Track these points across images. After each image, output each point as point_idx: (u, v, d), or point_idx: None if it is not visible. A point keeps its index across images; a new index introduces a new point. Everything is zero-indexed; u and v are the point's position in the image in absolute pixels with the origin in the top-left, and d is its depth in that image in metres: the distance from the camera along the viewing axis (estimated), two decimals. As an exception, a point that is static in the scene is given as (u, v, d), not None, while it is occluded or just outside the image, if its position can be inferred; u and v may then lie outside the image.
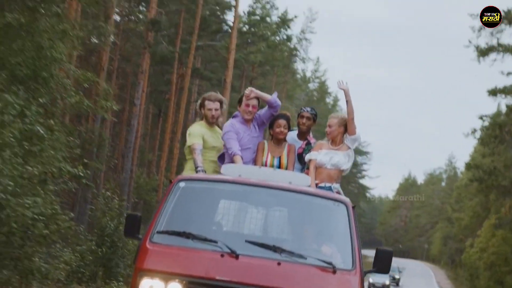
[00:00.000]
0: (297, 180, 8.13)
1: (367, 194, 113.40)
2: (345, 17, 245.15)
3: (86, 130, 32.48)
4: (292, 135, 9.63)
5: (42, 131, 15.42)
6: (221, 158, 9.30)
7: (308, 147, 9.49)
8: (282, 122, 9.23)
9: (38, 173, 15.67)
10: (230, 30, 43.92)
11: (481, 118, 38.98)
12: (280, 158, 9.22)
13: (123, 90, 45.75)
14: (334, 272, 6.99)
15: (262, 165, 9.09)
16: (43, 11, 17.23)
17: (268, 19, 54.46)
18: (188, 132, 9.41)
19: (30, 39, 16.79)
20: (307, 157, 9.26)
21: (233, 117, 9.55)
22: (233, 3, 44.63)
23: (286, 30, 56.34)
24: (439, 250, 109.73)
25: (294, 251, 7.11)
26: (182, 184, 7.75)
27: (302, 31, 66.67)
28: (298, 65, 77.07)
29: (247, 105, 9.32)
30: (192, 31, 40.56)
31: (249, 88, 9.50)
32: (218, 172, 8.71)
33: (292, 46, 62.80)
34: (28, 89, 16.55)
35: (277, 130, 9.22)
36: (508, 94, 37.96)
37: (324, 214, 7.89)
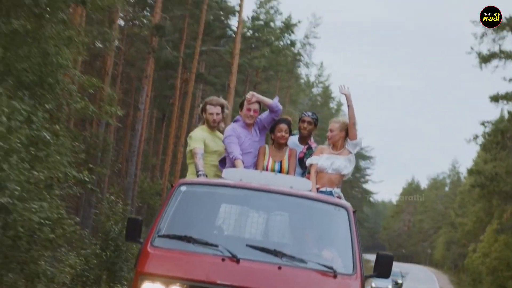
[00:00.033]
0: (298, 184, 8.16)
1: (371, 199, 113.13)
2: (349, 21, 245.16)
3: (90, 134, 32.53)
4: (293, 140, 9.62)
5: (48, 137, 15.51)
6: (222, 162, 9.31)
7: (309, 152, 9.49)
8: (283, 126, 9.25)
9: (44, 178, 15.75)
10: (234, 35, 44.02)
11: (482, 124, 39.03)
12: (281, 162, 9.22)
13: (127, 95, 45.80)
14: (334, 276, 7.00)
15: (263, 169, 9.09)
16: (49, 17, 17.30)
17: (272, 24, 54.46)
18: (189, 136, 9.41)
19: (36, 46, 16.86)
20: (308, 161, 9.27)
21: (235, 121, 9.54)
22: (237, 8, 44.59)
23: (290, 35, 56.32)
24: (442, 255, 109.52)
25: (295, 255, 7.12)
26: (183, 188, 7.74)
27: (306, 36, 66.72)
28: (302, 70, 77.09)
29: (249, 110, 9.34)
30: (196, 36, 40.63)
31: (250, 92, 9.54)
32: (219, 176, 8.73)
33: (296, 51, 62.71)
34: (34, 95, 16.62)
35: (278, 134, 9.24)
36: (510, 100, 37.87)
37: (325, 219, 7.89)
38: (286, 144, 9.36)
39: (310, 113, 9.79)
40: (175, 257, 7.09)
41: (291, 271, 7.01)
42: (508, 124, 37.50)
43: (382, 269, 7.43)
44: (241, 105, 9.46)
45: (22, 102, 14.93)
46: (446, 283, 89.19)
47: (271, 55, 51.81)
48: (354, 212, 7.80)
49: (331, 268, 7.05)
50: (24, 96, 16.05)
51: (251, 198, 7.93)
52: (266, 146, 9.38)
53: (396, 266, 74.54)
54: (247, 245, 7.25)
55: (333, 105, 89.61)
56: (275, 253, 7.09)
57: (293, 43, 58.21)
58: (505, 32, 36.79)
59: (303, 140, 9.73)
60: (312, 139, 9.88)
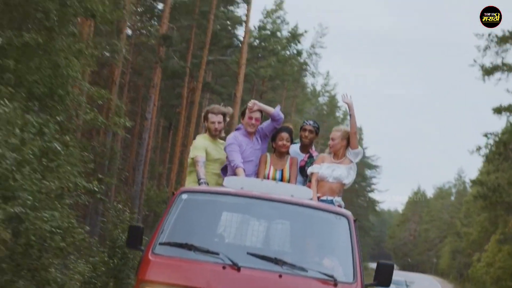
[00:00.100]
0: (299, 193, 8.12)
1: (376, 208, 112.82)
2: (355, 30, 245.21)
3: (99, 144, 32.64)
4: (294, 148, 9.66)
5: (59, 148, 15.65)
6: (225, 171, 9.29)
7: (311, 160, 9.51)
8: (284, 135, 9.28)
9: (55, 188, 15.85)
10: (240, 45, 44.03)
11: (485, 135, 39.03)
12: (282, 171, 9.25)
13: (135, 104, 45.80)
14: (335, 285, 7.02)
15: (265, 177, 9.10)
16: (59, 30, 17.44)
17: (278, 33, 54.29)
18: (191, 144, 9.39)
19: (47, 58, 17.00)
20: (309, 170, 9.28)
21: (236, 129, 9.58)
22: (244, 18, 44.63)
23: (296, 44, 56.15)
24: (448, 264, 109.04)
25: (296, 263, 7.12)
26: (184, 196, 7.73)
27: (312, 46, 66.74)
28: (308, 79, 76.93)
29: (250, 118, 9.40)
30: (203, 46, 40.74)
31: (252, 100, 9.58)
32: (221, 185, 8.65)
33: (302, 60, 62.56)
34: (45, 106, 16.80)
35: (280, 143, 9.27)
36: (513, 112, 37.95)
37: (325, 227, 7.89)
38: (287, 153, 9.39)
39: (311, 122, 9.86)
40: (176, 264, 7.08)
41: (292, 279, 7.02)
42: (510, 135, 37.47)
43: (383, 278, 7.37)
44: (243, 114, 9.51)
45: (34, 114, 15.10)
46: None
47: (277, 65, 51.73)
48: (354, 220, 7.80)
49: (331, 276, 7.08)
50: (34, 106, 16.33)
51: (252, 206, 7.93)
52: (268, 154, 9.40)
53: (402, 275, 74.58)
54: (248, 253, 7.24)
55: (339, 114, 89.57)
56: (276, 261, 7.09)
57: (299, 53, 58.06)
58: (508, 45, 36.68)
59: (304, 148, 9.80)
60: (313, 147, 9.94)
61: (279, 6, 57.13)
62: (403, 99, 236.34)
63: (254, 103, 9.50)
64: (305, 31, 55.97)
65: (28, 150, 13.96)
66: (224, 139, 9.62)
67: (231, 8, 48.26)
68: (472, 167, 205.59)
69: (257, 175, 9.31)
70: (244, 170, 9.00)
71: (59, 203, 16.22)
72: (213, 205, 7.98)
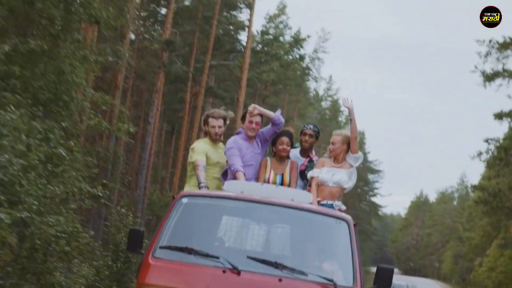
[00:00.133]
0: (299, 197, 8.11)
1: (379, 212, 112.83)
2: (357, 37, 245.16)
3: (102, 148, 32.72)
4: (294, 153, 9.67)
5: (64, 153, 15.73)
6: (225, 175, 9.29)
7: (311, 164, 9.52)
8: (285, 139, 9.31)
9: (60, 192, 15.96)
10: (243, 50, 43.97)
11: (486, 141, 39.07)
12: (282, 175, 9.28)
13: (138, 108, 45.92)
14: None
15: (265, 182, 9.11)
16: (64, 37, 17.52)
17: (281, 38, 54.36)
18: (191, 148, 9.35)
19: (51, 64, 17.08)
20: (309, 174, 9.29)
21: (237, 133, 9.59)
22: (247, 23, 44.72)
23: (299, 49, 56.01)
24: (450, 269, 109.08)
25: (296, 267, 7.09)
26: (184, 200, 7.72)
27: (315, 51, 66.75)
28: (311, 84, 77.09)
29: (251, 122, 9.41)
30: (206, 51, 40.86)
31: (252, 105, 9.56)
32: (222, 189, 8.71)
33: (304, 65, 62.55)
34: (50, 112, 16.93)
35: (280, 147, 9.31)
36: (514, 117, 38.03)
37: (325, 232, 7.88)
38: (287, 157, 9.42)
39: (311, 126, 9.87)
40: (176, 268, 7.07)
41: (292, 283, 7.00)
42: (510, 141, 37.55)
43: (382, 282, 7.31)
44: (243, 118, 9.53)
45: (39, 120, 15.19)
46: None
47: (280, 69, 51.80)
48: (355, 225, 7.79)
49: (331, 280, 7.06)
50: (39, 112, 16.44)
51: (252, 211, 7.90)
52: (268, 158, 9.41)
53: (404, 280, 74.64)
54: (248, 257, 7.22)
55: (341, 119, 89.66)
56: (276, 265, 7.07)
57: (302, 58, 58.00)
58: (509, 51, 36.81)
59: (304, 152, 9.82)
60: (313, 151, 9.94)
61: (281, 11, 57.27)
62: (404, 104, 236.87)
63: (254, 107, 9.50)
64: (308, 36, 56.08)
65: (34, 155, 14.03)
66: (224, 143, 9.65)
67: (234, 13, 48.29)
68: (475, 172, 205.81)
69: (257, 179, 9.32)
70: (244, 174, 9.02)
71: (64, 208, 16.32)
72: (213, 209, 7.98)
